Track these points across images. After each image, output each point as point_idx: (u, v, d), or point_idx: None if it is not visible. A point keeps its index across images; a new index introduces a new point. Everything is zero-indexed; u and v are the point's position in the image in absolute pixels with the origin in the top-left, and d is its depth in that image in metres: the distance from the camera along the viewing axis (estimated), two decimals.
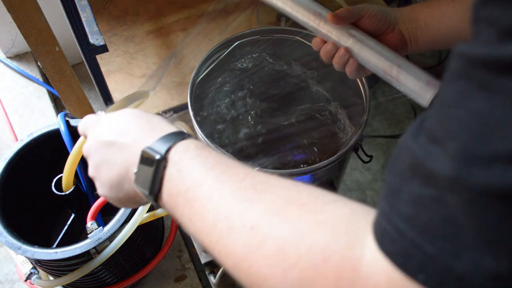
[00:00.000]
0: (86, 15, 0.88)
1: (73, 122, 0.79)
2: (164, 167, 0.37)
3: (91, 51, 0.90)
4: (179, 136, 0.39)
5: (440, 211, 0.24)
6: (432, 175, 0.24)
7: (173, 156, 0.37)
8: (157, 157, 0.37)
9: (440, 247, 0.23)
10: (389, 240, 0.26)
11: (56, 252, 0.68)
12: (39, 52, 0.84)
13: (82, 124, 0.49)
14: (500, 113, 0.21)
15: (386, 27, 0.66)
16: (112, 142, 0.42)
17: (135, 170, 0.39)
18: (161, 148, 0.37)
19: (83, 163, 0.70)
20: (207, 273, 1.04)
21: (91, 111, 1.04)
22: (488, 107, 0.21)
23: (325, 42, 0.68)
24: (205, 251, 0.37)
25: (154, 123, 0.42)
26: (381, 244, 0.26)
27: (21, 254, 0.69)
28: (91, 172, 0.45)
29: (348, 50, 0.65)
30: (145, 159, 0.38)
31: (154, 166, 0.37)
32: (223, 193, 0.34)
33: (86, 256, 0.71)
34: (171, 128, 0.41)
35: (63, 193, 0.74)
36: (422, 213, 0.24)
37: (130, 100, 0.67)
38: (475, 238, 0.22)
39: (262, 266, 0.30)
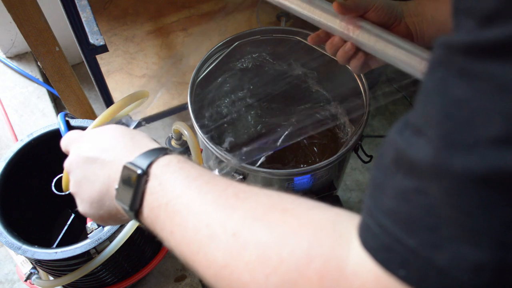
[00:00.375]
0: (86, 15, 0.88)
1: (73, 122, 0.79)
2: (146, 181, 0.37)
3: (91, 51, 0.90)
4: (162, 151, 0.39)
5: (421, 202, 0.23)
6: (414, 165, 0.23)
7: (155, 170, 0.37)
8: (139, 171, 0.37)
9: (421, 240, 0.23)
10: (371, 236, 0.25)
11: (56, 252, 0.68)
12: (39, 52, 0.84)
13: (65, 140, 0.48)
14: (479, 98, 0.21)
15: (393, 20, 0.66)
16: (94, 158, 0.42)
17: (116, 186, 0.39)
18: (143, 163, 0.37)
19: None
20: None
21: (91, 111, 1.04)
22: (468, 93, 0.21)
23: (329, 35, 0.67)
24: (186, 265, 0.36)
25: (137, 139, 0.42)
26: (364, 240, 0.26)
27: (21, 254, 0.69)
28: (72, 188, 0.45)
29: (354, 45, 0.65)
30: (127, 174, 0.38)
31: (135, 181, 0.36)
32: (204, 202, 0.34)
33: (86, 256, 0.71)
34: (154, 144, 0.41)
35: (63, 193, 0.74)
36: (404, 206, 0.24)
37: (130, 101, 0.67)
38: (456, 228, 0.22)
39: (243, 273, 0.30)
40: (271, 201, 0.33)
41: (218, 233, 0.32)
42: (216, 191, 0.34)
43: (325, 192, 0.95)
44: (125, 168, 0.38)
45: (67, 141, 0.48)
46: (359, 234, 0.27)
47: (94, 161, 0.42)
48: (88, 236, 0.70)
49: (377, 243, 0.25)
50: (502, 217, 0.21)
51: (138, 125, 0.67)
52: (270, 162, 1.08)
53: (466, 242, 0.22)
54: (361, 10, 0.64)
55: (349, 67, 0.70)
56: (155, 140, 0.44)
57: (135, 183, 0.37)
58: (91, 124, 0.66)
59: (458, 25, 0.23)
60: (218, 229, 0.32)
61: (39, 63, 0.97)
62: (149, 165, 0.37)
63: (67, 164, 0.45)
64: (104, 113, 0.66)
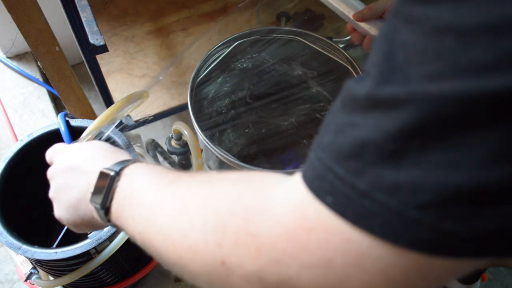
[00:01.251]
0: (86, 15, 0.88)
1: (73, 122, 0.79)
2: (117, 181, 0.40)
3: (91, 51, 0.90)
4: (137, 160, 0.43)
5: (353, 134, 0.24)
6: (353, 100, 0.25)
7: (126, 171, 0.41)
8: (112, 173, 0.40)
9: (348, 168, 0.24)
10: (309, 168, 0.27)
11: (56, 252, 0.68)
12: (39, 52, 0.84)
13: (51, 151, 0.51)
14: (419, 40, 0.22)
15: None
16: (76, 166, 0.45)
17: (91, 190, 0.41)
18: (117, 167, 0.41)
19: None
20: None
21: (91, 111, 1.04)
22: (410, 36, 0.23)
23: (355, 29, 0.73)
24: (145, 249, 0.40)
25: (117, 154, 0.46)
26: (303, 173, 0.27)
27: (21, 254, 0.69)
28: (51, 194, 0.47)
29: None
30: (101, 177, 0.41)
31: (108, 181, 0.40)
32: (161, 183, 0.37)
33: (86, 256, 0.71)
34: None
35: None
36: (339, 138, 0.25)
37: (130, 101, 0.67)
38: (378, 153, 0.23)
39: (184, 223, 0.32)
40: (221, 174, 0.35)
41: (167, 201, 0.35)
42: (174, 176, 0.38)
43: None
44: (101, 173, 0.41)
45: (53, 152, 0.50)
46: (301, 170, 0.28)
47: (76, 169, 0.45)
48: (88, 236, 0.70)
49: (312, 174, 0.26)
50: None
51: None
52: (270, 162, 1.08)
53: (385, 165, 0.23)
54: (378, 13, 0.69)
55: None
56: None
57: (107, 182, 0.40)
58: (92, 123, 0.66)
59: None
60: (169, 197, 0.35)
61: (39, 63, 0.97)
62: (122, 168, 0.41)
63: (50, 171, 0.48)
64: (104, 113, 0.66)
